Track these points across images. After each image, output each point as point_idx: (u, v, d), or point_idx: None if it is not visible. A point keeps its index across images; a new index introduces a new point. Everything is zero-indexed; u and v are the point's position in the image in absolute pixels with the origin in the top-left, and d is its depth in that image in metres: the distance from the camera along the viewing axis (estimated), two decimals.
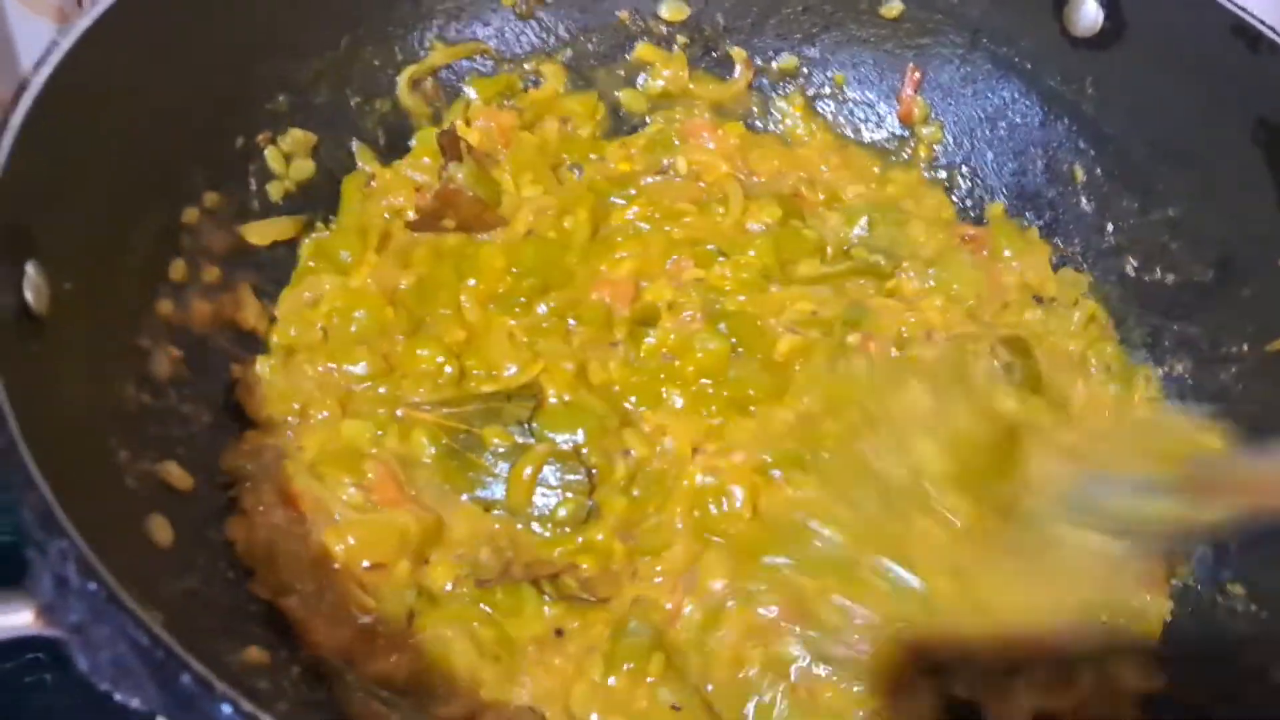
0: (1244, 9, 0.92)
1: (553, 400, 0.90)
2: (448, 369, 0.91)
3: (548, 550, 0.85)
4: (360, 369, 0.90)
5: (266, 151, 0.97)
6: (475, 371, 0.92)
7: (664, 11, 1.12)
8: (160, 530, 0.73)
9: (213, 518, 0.81)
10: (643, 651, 0.81)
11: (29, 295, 0.68)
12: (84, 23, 0.77)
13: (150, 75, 0.83)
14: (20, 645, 0.58)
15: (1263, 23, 0.91)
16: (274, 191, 0.97)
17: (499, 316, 0.95)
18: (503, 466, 0.87)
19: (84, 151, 0.76)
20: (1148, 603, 0.88)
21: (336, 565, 0.80)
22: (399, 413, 0.88)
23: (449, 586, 0.82)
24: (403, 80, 1.05)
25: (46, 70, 0.73)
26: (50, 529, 0.54)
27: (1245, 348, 0.93)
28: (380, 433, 0.87)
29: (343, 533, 0.81)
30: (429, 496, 0.85)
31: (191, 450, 0.82)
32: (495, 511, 0.86)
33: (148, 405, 0.81)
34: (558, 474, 0.87)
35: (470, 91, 1.08)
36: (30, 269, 0.69)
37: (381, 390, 0.90)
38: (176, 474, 0.79)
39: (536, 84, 1.10)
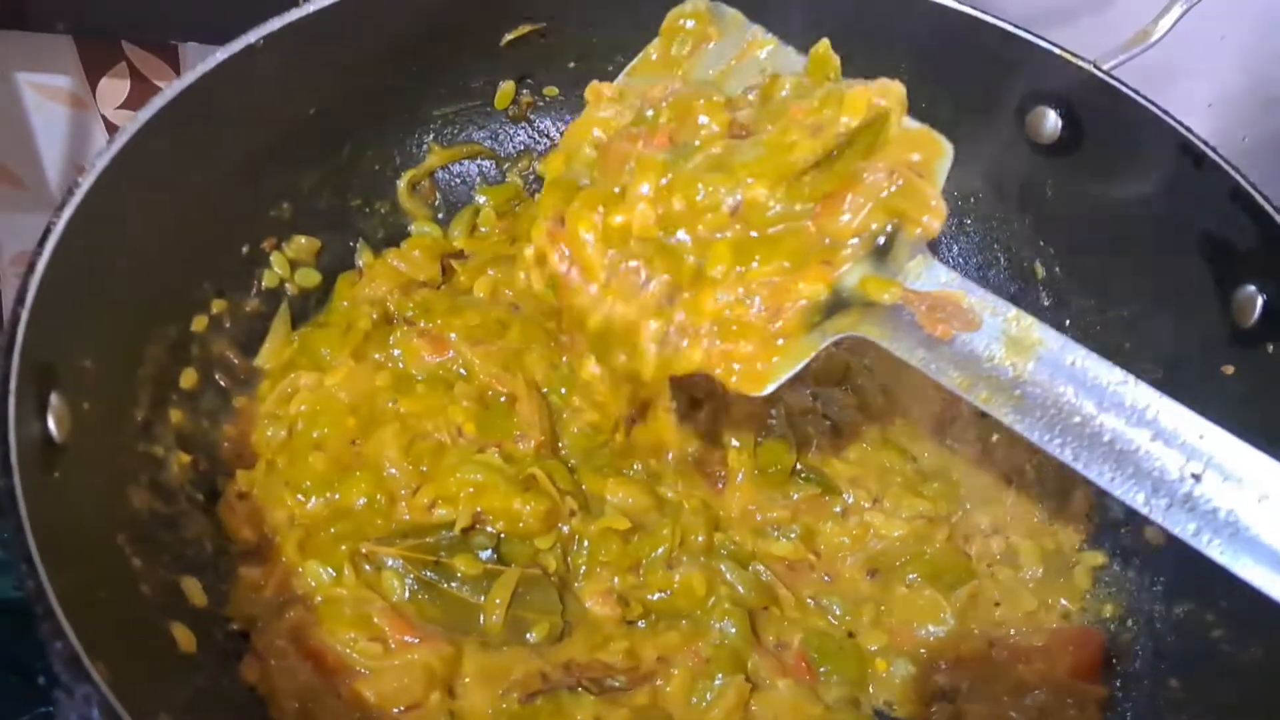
0: (1189, 129, 0.97)
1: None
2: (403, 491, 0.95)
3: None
4: (311, 504, 0.93)
5: (272, 257, 1.03)
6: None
7: None
8: (183, 638, 0.79)
9: (224, 625, 0.86)
10: None
11: (52, 425, 0.73)
12: (101, 163, 0.82)
13: (162, 201, 0.89)
14: None
15: (1205, 143, 0.96)
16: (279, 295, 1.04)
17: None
18: (474, 593, 0.90)
19: (102, 283, 0.82)
20: (1084, 691, 0.93)
21: (372, 713, 0.83)
22: (363, 548, 0.90)
23: (489, 710, 0.85)
24: (402, 183, 1.11)
25: (67, 213, 0.78)
26: (76, 674, 0.60)
27: None
28: (343, 572, 0.89)
29: (371, 684, 0.84)
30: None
31: (202, 560, 0.88)
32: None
33: (160, 512, 0.86)
34: (529, 597, 0.90)
35: (481, 199, 1.16)
36: (54, 399, 0.74)
37: (333, 530, 0.92)
38: (193, 589, 0.84)
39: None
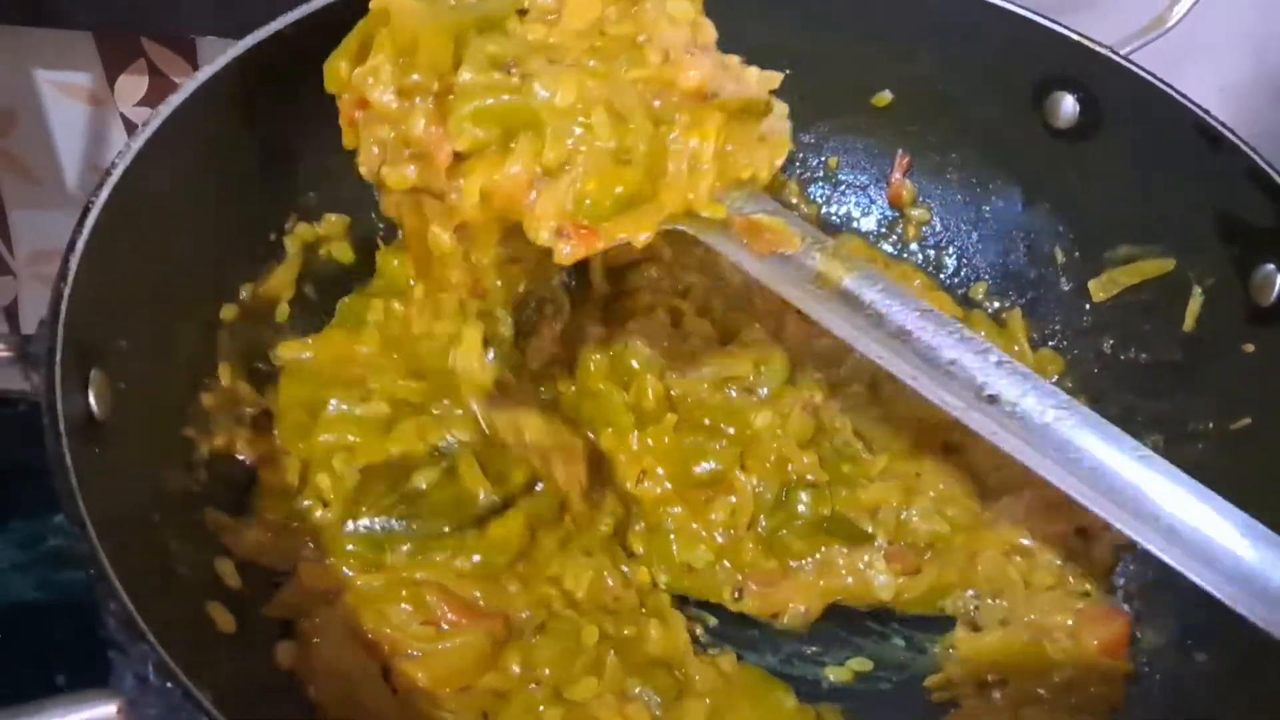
0: (1207, 111, 0.98)
1: None
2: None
3: None
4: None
5: (299, 229, 1.03)
6: None
7: None
8: (222, 618, 0.80)
9: (263, 604, 0.87)
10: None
11: (93, 402, 0.74)
12: (136, 144, 0.83)
13: (195, 186, 0.90)
14: None
15: (1223, 124, 0.98)
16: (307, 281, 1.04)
17: None
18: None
19: (137, 263, 0.83)
20: (1110, 667, 0.94)
21: (420, 695, 0.83)
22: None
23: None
24: None
25: (105, 192, 0.79)
26: (132, 633, 0.60)
27: (1211, 425, 0.99)
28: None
29: (424, 667, 0.84)
30: (490, 598, 0.88)
31: (237, 543, 0.88)
32: None
33: (194, 493, 0.87)
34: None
35: None
36: (94, 375, 0.75)
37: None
38: (228, 571, 0.85)
39: None
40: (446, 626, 0.86)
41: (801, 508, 0.99)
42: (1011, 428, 0.71)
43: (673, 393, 1.03)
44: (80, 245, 0.76)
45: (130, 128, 1.37)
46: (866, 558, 0.99)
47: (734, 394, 1.04)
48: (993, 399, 0.72)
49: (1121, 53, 1.04)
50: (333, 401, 0.95)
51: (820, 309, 0.76)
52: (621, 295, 1.08)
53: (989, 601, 0.99)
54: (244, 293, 0.98)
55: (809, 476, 1.00)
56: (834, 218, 1.22)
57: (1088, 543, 1.02)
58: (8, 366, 0.74)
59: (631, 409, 1.01)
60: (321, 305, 1.05)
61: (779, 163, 0.83)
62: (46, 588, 1.08)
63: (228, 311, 0.96)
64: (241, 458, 0.94)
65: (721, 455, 1.00)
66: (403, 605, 0.86)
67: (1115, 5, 1.15)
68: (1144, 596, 0.98)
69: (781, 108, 0.84)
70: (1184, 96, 1.00)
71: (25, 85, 1.33)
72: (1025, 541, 1.01)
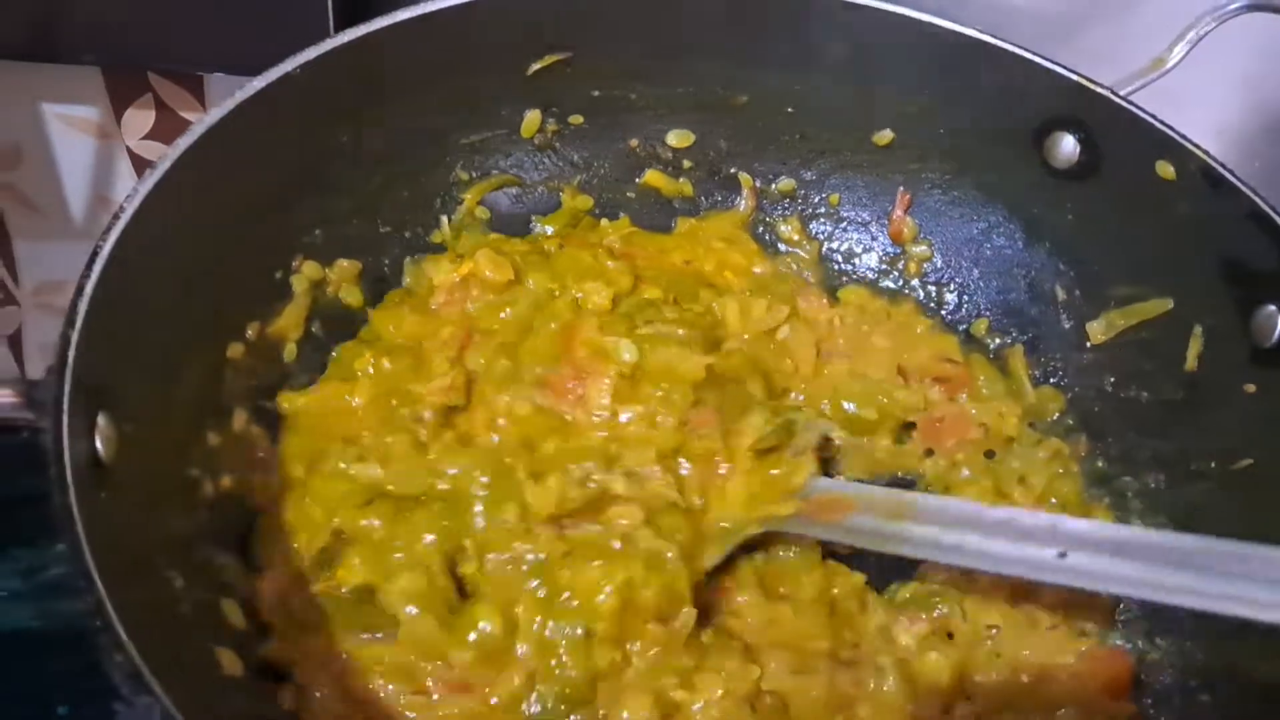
0: (1207, 152, 0.99)
1: None
2: None
3: None
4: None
5: (305, 268, 1.04)
6: None
7: (671, 139, 1.19)
8: (228, 660, 0.80)
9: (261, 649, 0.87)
10: None
11: (99, 445, 0.75)
12: (144, 187, 0.83)
13: (201, 228, 0.90)
14: None
15: (1224, 166, 0.98)
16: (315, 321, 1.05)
17: None
18: None
19: (144, 306, 0.83)
20: (1114, 708, 0.95)
21: None
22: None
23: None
24: (448, 228, 1.15)
25: (114, 235, 0.79)
26: (138, 687, 0.61)
27: (1214, 465, 0.99)
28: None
29: None
30: (476, 674, 0.87)
31: (240, 582, 0.89)
32: None
33: (197, 534, 0.87)
34: None
35: (539, 227, 1.19)
36: (101, 420, 0.76)
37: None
38: (233, 611, 0.85)
39: (609, 216, 1.21)
40: (437, 697, 0.86)
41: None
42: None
43: None
44: (89, 289, 0.76)
45: (137, 161, 1.37)
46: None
47: None
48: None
49: (1121, 93, 1.04)
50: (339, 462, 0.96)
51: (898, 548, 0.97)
52: None
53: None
54: (250, 331, 0.98)
55: None
56: (836, 254, 1.23)
57: None
58: (13, 411, 0.75)
59: None
60: (330, 345, 1.06)
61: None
62: (47, 617, 1.07)
63: (234, 350, 0.96)
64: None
65: None
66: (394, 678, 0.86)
67: (1116, 46, 1.16)
68: (1147, 637, 0.99)
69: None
70: (1184, 137, 1.00)
71: (33, 119, 1.33)
72: None
